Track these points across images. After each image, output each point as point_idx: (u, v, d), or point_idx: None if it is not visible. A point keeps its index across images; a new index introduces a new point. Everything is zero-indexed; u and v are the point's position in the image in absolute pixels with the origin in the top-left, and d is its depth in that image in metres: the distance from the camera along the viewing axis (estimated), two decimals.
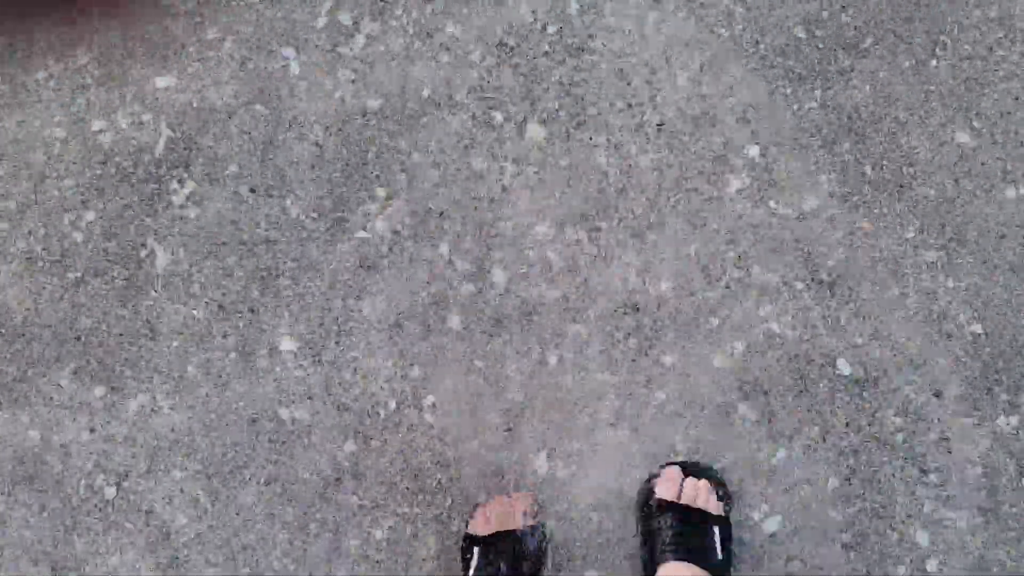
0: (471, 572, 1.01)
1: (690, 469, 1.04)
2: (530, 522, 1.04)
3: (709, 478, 1.04)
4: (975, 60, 1.07)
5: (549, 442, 1.08)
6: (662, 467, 1.05)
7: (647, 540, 1.03)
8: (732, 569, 1.01)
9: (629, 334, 1.07)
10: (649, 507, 1.03)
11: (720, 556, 0.98)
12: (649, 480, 1.06)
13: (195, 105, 1.12)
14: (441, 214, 1.09)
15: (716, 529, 0.99)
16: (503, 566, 1.00)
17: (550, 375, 1.08)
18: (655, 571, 0.99)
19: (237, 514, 1.05)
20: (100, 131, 1.13)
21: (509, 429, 1.07)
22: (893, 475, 1.03)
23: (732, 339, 1.06)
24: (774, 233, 1.06)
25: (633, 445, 1.07)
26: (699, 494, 1.02)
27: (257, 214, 1.10)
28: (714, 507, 1.01)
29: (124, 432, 1.06)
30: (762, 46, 1.09)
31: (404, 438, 1.07)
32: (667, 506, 1.01)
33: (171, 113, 1.13)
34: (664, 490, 1.02)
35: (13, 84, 1.15)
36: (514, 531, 1.03)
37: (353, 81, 1.12)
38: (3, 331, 1.09)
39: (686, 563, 0.97)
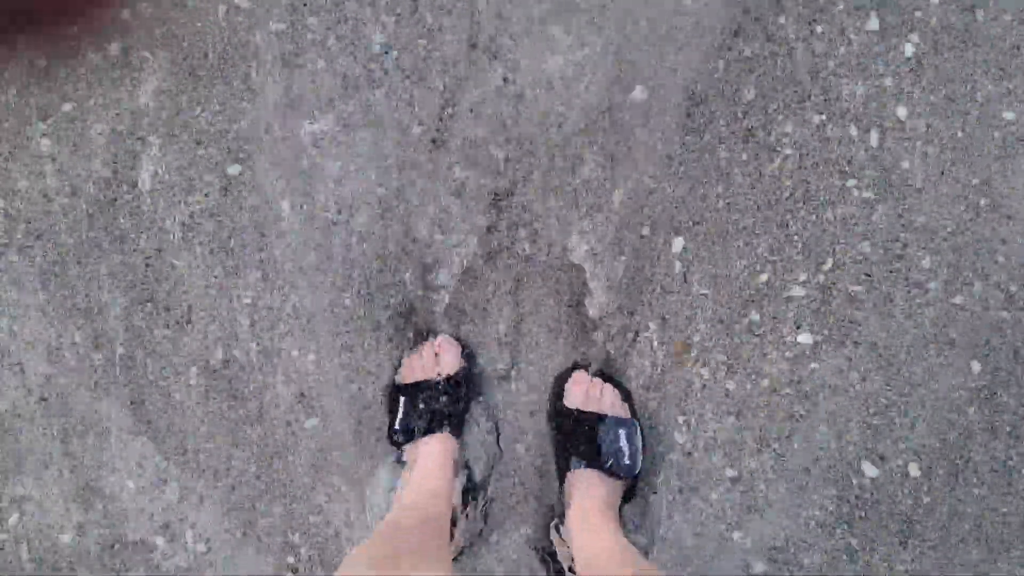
0: (397, 419, 1.08)
1: (597, 374, 1.10)
2: (453, 370, 1.09)
3: (616, 384, 1.10)
4: None
5: None
6: (569, 370, 1.11)
7: (558, 446, 1.10)
8: (641, 467, 1.06)
9: None
10: (559, 413, 1.09)
11: (628, 459, 1.05)
12: (558, 385, 1.12)
13: None
14: None
15: (623, 432, 1.05)
16: (426, 413, 1.07)
17: None
18: (565, 475, 1.06)
19: None
20: None
21: None
22: None
23: None
24: None
25: None
26: (605, 398, 1.08)
27: None
28: (620, 410, 1.08)
29: None
30: None
31: None
32: (575, 413, 1.07)
33: None
34: (572, 397, 1.08)
35: None
36: (439, 378, 1.08)
37: None
38: None
39: (592, 470, 1.04)
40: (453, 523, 1.04)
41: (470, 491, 1.10)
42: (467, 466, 1.11)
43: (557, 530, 1.07)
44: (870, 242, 1.10)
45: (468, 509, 1.09)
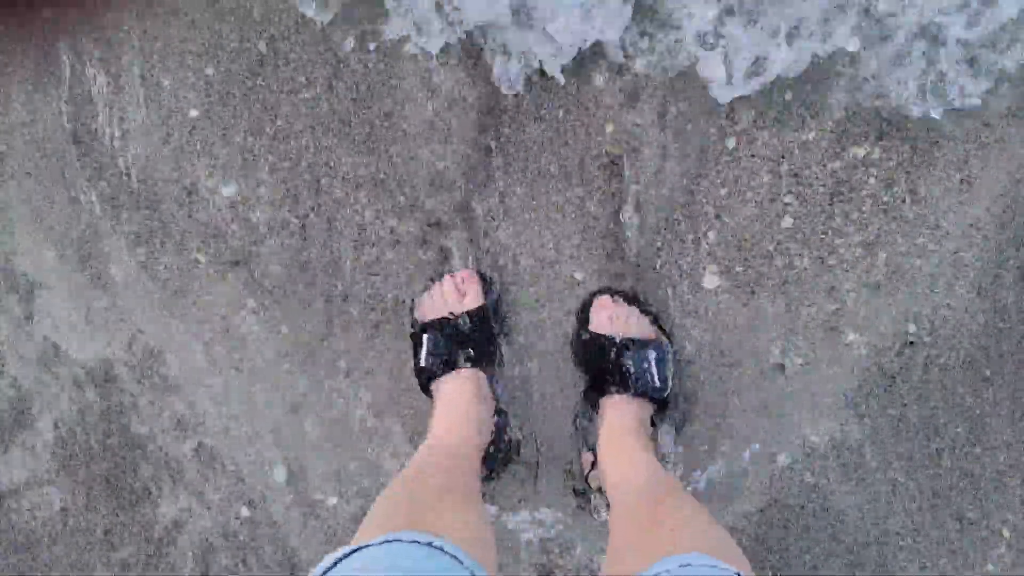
0: (422, 357, 1.05)
1: (620, 297, 1.06)
2: (476, 304, 1.06)
3: (640, 305, 1.07)
4: None
5: None
6: (593, 295, 1.08)
7: (586, 372, 1.08)
8: (671, 387, 1.05)
9: None
10: (585, 340, 1.07)
11: (657, 381, 1.03)
12: (582, 312, 1.09)
13: None
14: None
15: (651, 353, 1.03)
16: (452, 349, 1.04)
17: None
18: (596, 402, 1.04)
19: None
20: None
21: None
22: None
23: None
24: None
25: None
26: (631, 321, 1.05)
27: None
28: (647, 332, 1.06)
29: None
30: None
31: None
32: (602, 338, 1.04)
33: None
34: (597, 322, 1.05)
35: None
36: (463, 313, 1.05)
37: None
38: None
39: (623, 395, 1.02)
40: (486, 455, 1.03)
41: (501, 423, 1.08)
42: (497, 399, 1.09)
43: (592, 455, 1.06)
44: None
45: (501, 440, 1.07)
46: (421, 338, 1.06)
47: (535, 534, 1.15)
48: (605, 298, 1.07)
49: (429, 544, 0.63)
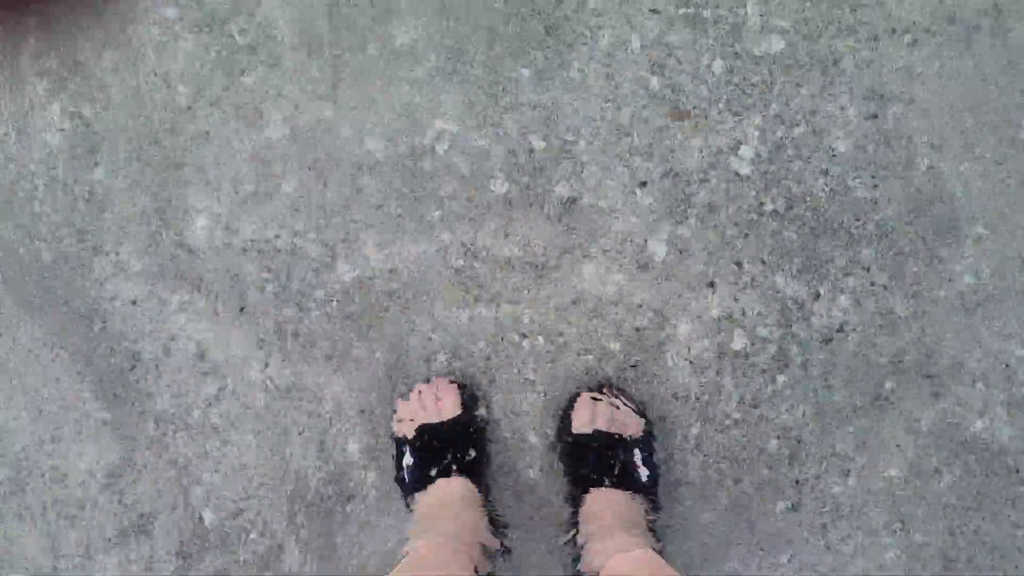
0: (405, 469, 0.99)
1: (604, 393, 1.02)
2: (454, 413, 1.00)
3: (625, 398, 1.03)
4: None
5: None
6: (576, 395, 1.03)
7: (569, 472, 1.02)
8: (660, 483, 1.01)
9: None
10: (567, 440, 1.01)
11: (645, 477, 0.98)
12: (565, 412, 1.03)
13: None
14: None
15: (637, 451, 0.98)
16: (436, 459, 0.98)
17: None
18: (581, 500, 0.97)
19: None
20: None
21: None
22: None
23: None
24: None
25: None
26: (615, 418, 1.00)
27: None
28: (633, 429, 1.00)
29: None
30: None
31: None
32: (585, 438, 0.99)
33: None
34: (580, 422, 1.00)
35: None
36: (442, 422, 0.99)
37: None
38: None
39: (608, 488, 0.95)
40: (481, 557, 0.96)
41: (492, 528, 1.01)
42: (486, 503, 1.02)
43: (576, 561, 1.00)
44: None
45: (491, 545, 1.00)
46: (402, 450, 1.01)
47: None
48: (583, 398, 1.02)
49: None
